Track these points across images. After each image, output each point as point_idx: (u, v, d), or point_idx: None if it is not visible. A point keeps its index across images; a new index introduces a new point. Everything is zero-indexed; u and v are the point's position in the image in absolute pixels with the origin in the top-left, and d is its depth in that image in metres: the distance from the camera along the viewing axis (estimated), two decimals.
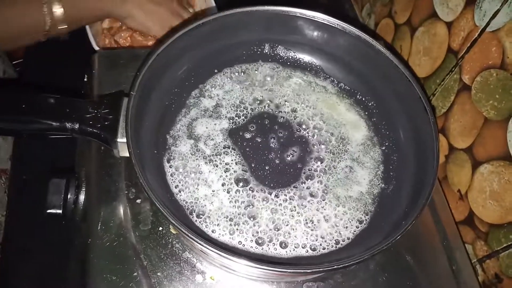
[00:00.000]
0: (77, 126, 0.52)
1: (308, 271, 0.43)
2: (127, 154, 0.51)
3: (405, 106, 0.60)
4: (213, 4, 0.87)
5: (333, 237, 0.54)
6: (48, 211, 0.57)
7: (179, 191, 0.56)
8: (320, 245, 0.53)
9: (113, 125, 0.53)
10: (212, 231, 0.53)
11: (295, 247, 0.53)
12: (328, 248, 0.53)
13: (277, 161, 0.60)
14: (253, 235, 0.53)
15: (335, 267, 0.43)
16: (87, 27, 0.80)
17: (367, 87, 0.65)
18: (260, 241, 0.53)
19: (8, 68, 0.95)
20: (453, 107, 0.69)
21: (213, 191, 0.56)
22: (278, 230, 0.54)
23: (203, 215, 0.54)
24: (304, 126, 0.63)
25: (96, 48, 0.78)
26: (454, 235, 0.65)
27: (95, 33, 0.81)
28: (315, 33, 0.64)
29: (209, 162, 0.58)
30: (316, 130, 0.63)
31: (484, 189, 0.62)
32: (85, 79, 0.69)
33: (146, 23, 0.82)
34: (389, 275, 0.56)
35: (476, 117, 0.64)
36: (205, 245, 0.44)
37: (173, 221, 0.45)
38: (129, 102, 0.52)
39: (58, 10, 0.73)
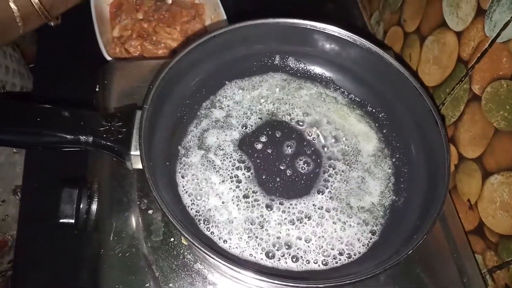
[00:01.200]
0: (91, 139, 0.53)
1: (321, 286, 0.43)
2: (140, 166, 0.52)
3: (415, 118, 0.60)
4: (224, 17, 0.87)
5: (345, 250, 0.54)
6: (61, 220, 0.57)
7: (191, 202, 0.56)
8: (333, 258, 0.54)
9: (126, 138, 0.54)
10: (224, 242, 0.54)
11: (306, 260, 0.53)
12: (340, 262, 0.53)
13: (288, 172, 0.60)
14: (263, 248, 0.54)
15: (347, 281, 0.43)
16: (98, 36, 0.80)
17: (377, 99, 0.65)
18: (270, 254, 0.53)
19: (28, 82, 0.96)
20: (462, 116, 0.69)
21: (223, 202, 0.57)
22: (289, 242, 0.54)
23: (214, 226, 0.55)
24: (315, 137, 0.64)
25: (108, 58, 0.79)
26: (464, 245, 0.64)
27: (106, 42, 0.82)
28: (326, 45, 0.64)
29: (220, 173, 0.59)
30: (327, 141, 0.64)
31: (494, 199, 0.62)
32: (97, 89, 0.69)
33: None
34: (399, 287, 0.56)
35: (486, 127, 0.63)
36: (217, 258, 0.45)
37: (186, 236, 0.46)
38: (142, 115, 0.52)
39: None
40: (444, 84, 0.73)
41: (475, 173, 0.66)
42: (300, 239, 0.55)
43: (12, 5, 0.64)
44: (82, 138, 0.53)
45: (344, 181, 0.60)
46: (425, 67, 0.79)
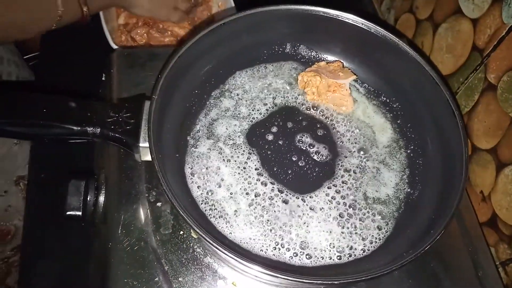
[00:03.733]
0: (98, 130, 0.52)
1: (336, 282, 0.42)
2: (149, 158, 0.51)
3: (431, 109, 0.58)
4: (232, 4, 0.86)
5: (360, 244, 0.53)
6: (68, 213, 0.56)
7: (200, 194, 0.55)
8: (347, 252, 0.53)
9: (134, 129, 0.53)
10: (234, 235, 0.53)
11: (320, 255, 0.52)
12: (355, 256, 0.52)
13: (300, 163, 0.59)
14: (276, 243, 0.53)
15: (364, 278, 0.42)
16: (104, 24, 0.79)
17: (392, 88, 0.64)
18: (282, 249, 0.52)
19: (23, 71, 0.95)
20: (477, 106, 0.67)
21: (233, 194, 0.56)
22: (302, 236, 0.53)
23: (224, 219, 0.54)
24: (328, 126, 0.63)
25: (114, 46, 0.77)
26: (479, 237, 0.63)
27: (111, 29, 0.80)
28: (339, 33, 0.63)
29: (229, 164, 0.58)
30: (341, 131, 0.62)
31: (508, 191, 0.61)
32: (103, 78, 0.68)
33: (153, 9, 0.83)
34: (414, 281, 0.55)
35: (502, 117, 0.62)
36: (227, 253, 0.44)
37: (197, 229, 0.44)
38: (151, 106, 0.51)
39: None
40: (458, 73, 0.72)
41: (489, 165, 0.65)
42: (313, 232, 0.54)
43: None
44: (90, 129, 0.52)
45: (360, 172, 0.59)
46: (438, 55, 0.77)
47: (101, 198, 0.58)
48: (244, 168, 0.58)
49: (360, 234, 0.54)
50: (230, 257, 0.44)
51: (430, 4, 0.79)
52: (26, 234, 0.70)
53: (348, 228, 0.55)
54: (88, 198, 0.57)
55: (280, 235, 0.53)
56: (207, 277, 0.53)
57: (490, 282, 0.58)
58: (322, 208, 0.55)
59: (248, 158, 0.58)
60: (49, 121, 0.51)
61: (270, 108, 0.63)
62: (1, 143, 0.87)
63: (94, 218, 0.58)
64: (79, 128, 0.51)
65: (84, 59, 0.83)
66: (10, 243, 0.94)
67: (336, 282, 0.42)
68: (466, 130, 0.69)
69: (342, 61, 0.66)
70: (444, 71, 0.75)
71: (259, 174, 0.57)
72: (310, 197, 0.56)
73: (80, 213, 0.56)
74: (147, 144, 0.50)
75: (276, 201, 0.55)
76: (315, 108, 0.64)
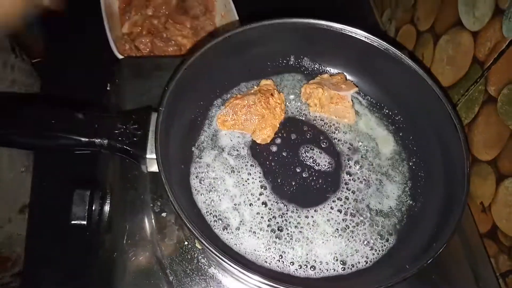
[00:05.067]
0: (106, 142, 0.52)
1: None
2: (155, 169, 0.51)
3: (433, 122, 0.59)
4: (236, 17, 0.86)
5: (363, 255, 0.54)
6: (72, 222, 0.56)
7: (205, 205, 0.55)
8: (350, 263, 0.53)
9: (141, 141, 0.53)
10: (239, 247, 0.53)
11: (323, 266, 0.53)
12: (357, 266, 0.53)
13: (304, 175, 0.59)
14: (280, 254, 0.53)
15: None
16: (108, 33, 0.79)
17: (394, 101, 0.64)
18: (286, 259, 0.53)
19: (28, 78, 0.94)
20: (477, 118, 0.68)
21: (237, 205, 0.56)
22: (306, 247, 0.54)
23: (229, 230, 0.54)
24: (331, 138, 0.63)
25: (118, 55, 0.78)
26: (479, 248, 0.64)
27: (115, 38, 0.81)
28: (342, 46, 0.63)
29: (234, 175, 0.58)
30: (344, 142, 0.63)
31: (509, 203, 0.62)
32: (108, 88, 0.68)
33: None
34: None
35: (502, 130, 0.63)
36: (231, 264, 0.44)
37: (202, 241, 0.45)
38: (158, 118, 0.51)
39: None
40: (458, 85, 0.72)
41: (489, 176, 0.65)
42: (317, 244, 0.54)
43: None
44: (97, 141, 0.52)
45: (363, 184, 0.60)
46: (439, 67, 0.78)
47: (106, 208, 0.59)
48: (248, 179, 0.58)
49: (363, 246, 0.55)
50: (234, 268, 0.45)
51: (431, 16, 0.80)
52: (28, 243, 0.70)
53: (351, 239, 0.55)
54: (93, 208, 0.57)
55: (284, 247, 0.54)
56: (212, 287, 0.53)
57: None
58: (326, 219, 0.56)
59: (252, 170, 0.59)
60: (57, 132, 0.52)
61: None
62: (9, 168, 0.86)
63: (99, 228, 0.58)
64: (87, 139, 0.52)
65: (89, 69, 0.83)
66: (11, 269, 0.92)
67: None
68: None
69: (345, 73, 0.67)
70: (445, 82, 0.75)
71: (263, 186, 0.58)
72: (314, 209, 0.57)
73: (85, 222, 0.56)
74: (154, 156, 0.51)
75: (280, 213, 0.56)
76: (318, 120, 0.65)
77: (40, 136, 0.52)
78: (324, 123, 0.65)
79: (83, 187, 0.57)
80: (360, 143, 0.63)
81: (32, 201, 0.73)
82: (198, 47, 0.57)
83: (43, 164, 0.75)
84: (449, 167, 0.56)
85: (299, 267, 0.53)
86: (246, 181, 0.58)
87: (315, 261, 0.53)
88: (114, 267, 0.54)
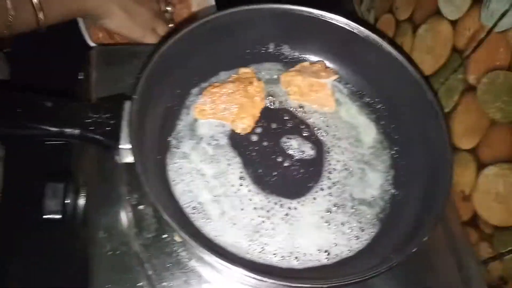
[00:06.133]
0: (77, 132, 0.50)
1: (324, 286, 0.42)
2: (129, 160, 0.50)
3: (415, 110, 0.58)
4: (212, 2, 0.84)
5: (346, 245, 0.53)
6: (45, 216, 0.54)
7: (184, 197, 0.54)
8: (334, 252, 0.53)
9: (115, 130, 0.51)
10: (220, 238, 0.52)
11: (307, 256, 0.52)
12: (341, 256, 0.52)
13: (285, 164, 0.58)
14: (262, 245, 0.52)
15: (351, 281, 0.42)
16: (80, 20, 0.76)
17: (375, 89, 0.64)
18: (269, 251, 0.52)
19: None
20: (457, 107, 0.68)
21: (218, 196, 0.55)
22: (288, 238, 0.53)
23: (209, 222, 0.53)
24: (312, 127, 0.62)
25: (91, 43, 0.75)
26: (462, 237, 0.64)
27: (88, 26, 0.78)
28: (322, 33, 0.62)
29: (213, 165, 0.57)
30: (326, 131, 0.62)
31: (489, 191, 0.62)
32: (80, 77, 0.65)
33: (127, 25, 0.75)
34: (398, 282, 0.55)
35: (482, 118, 0.63)
36: (212, 256, 0.43)
37: (181, 233, 0.43)
38: (131, 106, 0.49)
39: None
40: (438, 73, 0.72)
41: (469, 164, 0.65)
42: (300, 234, 0.53)
43: None
44: (67, 130, 0.50)
45: (345, 173, 0.59)
46: (418, 56, 0.77)
47: (81, 201, 0.56)
48: (228, 170, 0.57)
49: (346, 235, 0.54)
50: (215, 260, 0.43)
51: (410, 5, 0.80)
52: (2, 238, 0.67)
53: (334, 229, 0.54)
54: (67, 201, 0.55)
55: (266, 238, 0.52)
56: (192, 281, 0.52)
57: (474, 282, 0.59)
58: (308, 209, 0.55)
59: (232, 160, 0.57)
60: (24, 122, 0.49)
61: None
62: None
63: (74, 222, 0.56)
64: (56, 129, 0.49)
65: (60, 57, 0.80)
66: None
67: (325, 286, 0.42)
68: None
69: (325, 61, 0.66)
70: (424, 71, 0.75)
71: (243, 176, 0.56)
72: (296, 199, 0.56)
73: (59, 216, 0.54)
74: (128, 146, 0.49)
75: (262, 204, 0.55)
76: (299, 109, 0.64)
77: (5, 126, 0.49)
78: (305, 112, 0.64)
79: (56, 179, 0.55)
80: (342, 132, 0.62)
81: (3, 194, 0.70)
82: (173, 34, 0.55)
83: (14, 155, 0.72)
84: (431, 155, 0.55)
85: (282, 258, 0.52)
86: (226, 171, 0.56)
87: (299, 252, 0.52)
88: (90, 262, 0.51)
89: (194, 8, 0.89)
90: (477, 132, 0.64)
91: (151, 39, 0.77)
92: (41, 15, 0.66)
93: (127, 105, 0.52)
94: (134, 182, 0.56)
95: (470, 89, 0.65)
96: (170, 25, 0.83)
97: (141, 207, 0.55)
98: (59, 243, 0.64)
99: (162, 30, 0.80)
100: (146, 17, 0.77)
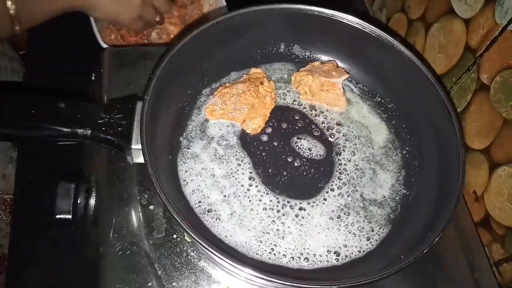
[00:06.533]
0: (89, 132, 0.50)
1: (334, 287, 0.41)
2: (141, 161, 0.50)
3: (427, 109, 0.58)
4: (224, 3, 0.84)
5: (357, 245, 0.53)
6: (57, 216, 0.55)
7: (194, 197, 0.54)
8: (344, 253, 0.52)
9: (126, 131, 0.51)
10: (229, 238, 0.52)
11: (317, 257, 0.51)
12: (351, 257, 0.52)
13: (296, 164, 0.58)
14: (272, 245, 0.52)
15: (362, 282, 0.42)
16: (93, 22, 0.77)
17: (386, 89, 0.63)
18: (279, 251, 0.52)
19: (16, 65, 0.91)
20: (469, 106, 0.67)
21: (227, 196, 0.55)
22: (298, 239, 0.53)
23: (219, 222, 0.53)
24: (323, 127, 0.62)
25: (103, 45, 0.75)
26: (474, 237, 0.63)
27: (100, 28, 0.79)
28: (333, 32, 0.62)
29: (223, 166, 0.57)
30: (336, 131, 0.62)
31: (502, 191, 0.61)
32: (93, 78, 0.66)
33: (115, 12, 0.76)
34: (409, 283, 0.55)
35: (495, 118, 0.62)
36: (222, 257, 0.43)
37: (191, 233, 0.44)
38: (143, 107, 0.50)
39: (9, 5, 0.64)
40: (450, 73, 0.71)
41: (482, 165, 0.65)
42: (310, 235, 0.53)
43: None
44: (80, 131, 0.50)
45: (356, 173, 0.58)
46: (430, 55, 0.77)
47: (92, 201, 0.57)
48: (238, 170, 0.57)
49: (356, 236, 0.54)
50: (225, 261, 0.43)
51: (422, 4, 0.79)
52: (13, 238, 0.68)
53: (345, 230, 0.54)
54: (78, 201, 0.55)
55: (276, 239, 0.52)
56: (202, 281, 0.52)
57: (486, 283, 0.58)
58: (319, 210, 0.55)
59: (242, 160, 0.57)
60: (38, 123, 0.50)
61: None
62: None
63: (85, 222, 0.56)
64: (69, 130, 0.50)
65: (73, 58, 0.81)
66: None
67: (334, 287, 0.42)
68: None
69: (336, 61, 0.66)
70: (437, 71, 0.75)
71: (253, 176, 0.56)
72: (306, 200, 0.55)
73: (70, 216, 0.54)
74: (139, 146, 0.49)
75: (272, 205, 0.55)
76: (309, 108, 0.64)
77: (19, 127, 0.49)
78: (316, 111, 0.63)
79: (67, 179, 0.55)
80: (353, 132, 0.62)
81: (17, 195, 0.71)
82: (185, 34, 0.55)
83: (26, 156, 0.73)
84: (443, 155, 0.55)
85: (291, 258, 0.51)
86: (236, 172, 0.56)
87: (308, 253, 0.52)
88: (100, 262, 0.52)
89: (206, 9, 0.90)
90: (490, 132, 0.63)
91: (138, 25, 0.80)
92: (17, 27, 0.67)
93: (139, 105, 0.53)
94: (145, 182, 0.57)
95: (483, 88, 0.64)
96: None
97: (151, 207, 0.55)
98: (70, 243, 0.64)
99: (148, 17, 0.80)
100: (133, 4, 0.77)
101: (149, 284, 0.51)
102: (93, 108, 0.52)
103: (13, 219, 0.69)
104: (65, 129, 0.50)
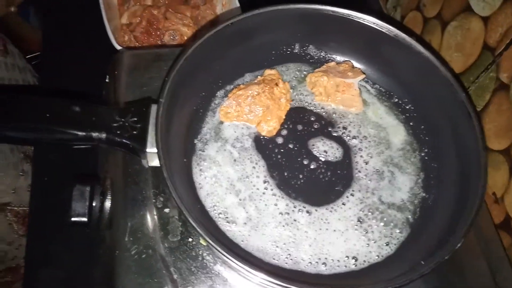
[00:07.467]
0: (104, 136, 0.50)
1: None
2: (156, 164, 0.49)
3: (445, 110, 0.57)
4: (237, 4, 0.84)
5: (375, 250, 0.52)
6: (73, 219, 0.54)
7: (209, 200, 0.54)
8: (362, 258, 0.51)
9: (141, 134, 0.51)
10: (245, 243, 0.51)
11: (335, 261, 0.51)
12: (369, 262, 0.51)
13: (312, 166, 0.57)
14: (289, 250, 0.51)
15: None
16: (106, 24, 0.77)
17: (404, 89, 0.62)
18: (296, 256, 0.51)
19: (26, 75, 0.91)
20: (488, 106, 0.66)
21: (243, 200, 0.54)
22: (314, 244, 0.52)
23: (234, 226, 0.52)
24: (339, 128, 0.61)
25: (117, 46, 0.75)
26: (494, 240, 0.62)
27: (114, 29, 0.78)
28: (348, 32, 0.61)
29: (238, 168, 0.56)
30: (353, 132, 0.61)
31: None
32: (107, 80, 0.66)
33: None
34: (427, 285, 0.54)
35: None
36: (237, 262, 0.43)
37: (206, 237, 0.43)
38: (158, 110, 0.49)
39: None
40: (468, 72, 0.70)
41: (501, 166, 0.63)
42: (328, 239, 0.52)
43: None
44: (95, 135, 0.50)
45: (374, 176, 0.58)
46: (447, 54, 0.75)
47: (107, 204, 0.56)
48: (253, 173, 0.56)
49: (375, 240, 0.53)
50: (240, 266, 0.43)
51: (438, 2, 0.78)
52: (30, 241, 0.68)
53: (363, 234, 0.53)
54: (94, 204, 0.55)
55: (292, 243, 0.52)
56: (217, 286, 0.51)
57: (508, 287, 0.57)
58: (336, 214, 0.54)
59: (256, 163, 0.57)
60: (53, 126, 0.50)
61: None
62: None
63: (100, 225, 0.56)
64: (84, 133, 0.50)
65: (87, 60, 0.81)
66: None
67: None
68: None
69: (352, 61, 0.65)
70: (454, 70, 0.73)
71: (269, 180, 0.56)
72: (323, 203, 0.55)
73: (85, 219, 0.54)
74: (154, 150, 0.49)
75: (288, 208, 0.54)
76: (325, 110, 0.63)
77: (34, 130, 0.49)
78: (331, 113, 0.63)
79: (83, 182, 0.55)
80: (370, 133, 0.61)
81: (32, 198, 0.71)
82: (199, 36, 0.55)
83: (42, 159, 0.73)
84: (463, 158, 0.53)
85: (309, 263, 0.51)
86: (251, 175, 0.56)
87: (326, 258, 0.51)
88: (116, 265, 0.52)
89: (219, 9, 0.89)
90: (509, 133, 0.62)
91: None
92: None
93: (153, 108, 0.52)
94: (160, 185, 0.56)
95: (502, 87, 0.63)
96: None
97: (166, 210, 0.55)
98: (85, 246, 0.64)
99: None
100: None
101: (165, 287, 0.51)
102: (107, 111, 0.52)
103: (29, 221, 0.70)
104: (79, 133, 0.50)
